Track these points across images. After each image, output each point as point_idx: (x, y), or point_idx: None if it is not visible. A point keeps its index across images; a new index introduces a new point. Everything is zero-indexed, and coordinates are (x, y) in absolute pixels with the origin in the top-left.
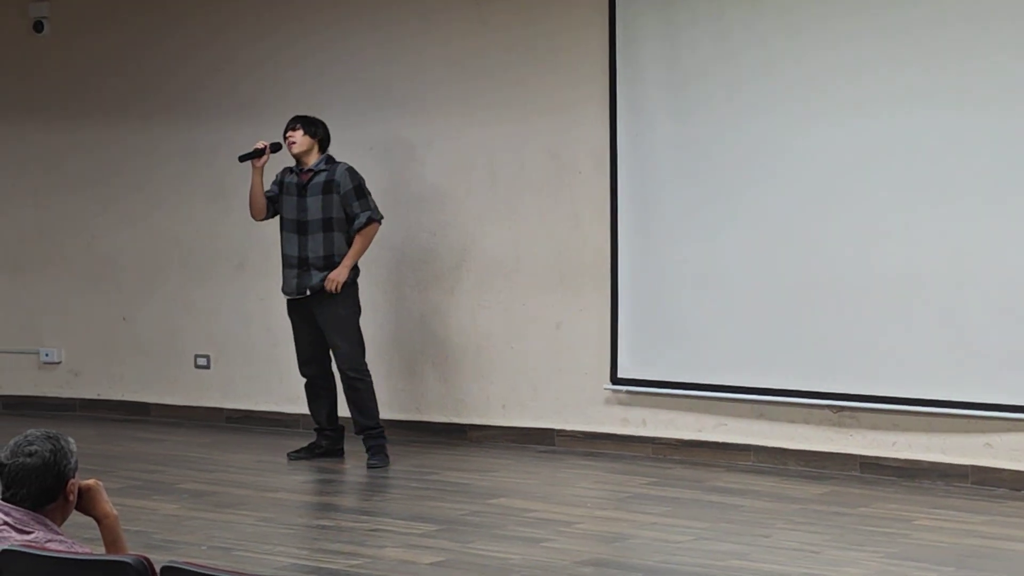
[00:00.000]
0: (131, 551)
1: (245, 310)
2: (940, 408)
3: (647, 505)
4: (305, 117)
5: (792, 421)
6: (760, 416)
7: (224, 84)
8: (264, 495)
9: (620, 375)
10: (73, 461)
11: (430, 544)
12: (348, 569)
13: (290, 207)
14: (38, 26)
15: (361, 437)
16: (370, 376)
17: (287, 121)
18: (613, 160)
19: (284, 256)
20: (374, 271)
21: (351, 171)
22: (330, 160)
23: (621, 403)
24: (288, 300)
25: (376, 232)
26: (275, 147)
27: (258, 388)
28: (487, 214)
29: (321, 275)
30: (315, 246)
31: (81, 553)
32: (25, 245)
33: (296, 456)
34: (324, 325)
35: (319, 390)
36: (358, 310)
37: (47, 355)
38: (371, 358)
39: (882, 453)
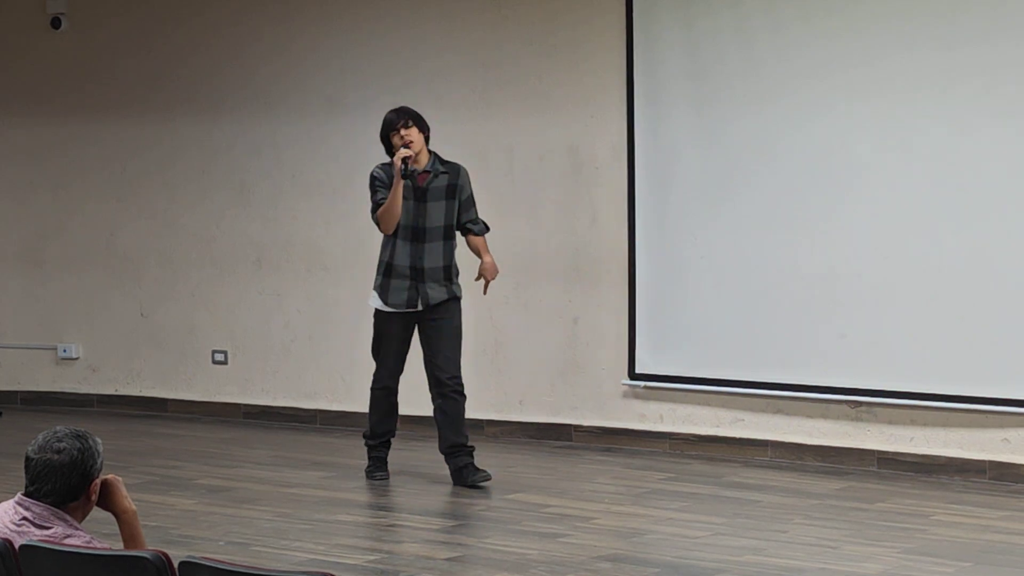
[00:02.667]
0: (149, 546)
1: (263, 306)
2: (957, 403)
3: (664, 500)
4: (411, 110)
5: (809, 416)
6: (777, 411)
7: (241, 76)
8: (281, 491)
9: (638, 370)
10: (99, 462)
11: (447, 539)
12: (366, 564)
13: (405, 212)
14: (55, 22)
15: (448, 456)
16: None
17: (394, 115)
18: (631, 153)
19: (392, 265)
20: None
21: (468, 174)
22: (439, 159)
23: (638, 398)
24: (391, 313)
25: None
26: (405, 162)
27: (275, 384)
28: (505, 208)
29: (440, 287)
30: (433, 256)
31: (100, 548)
32: (43, 240)
33: (382, 476)
34: (435, 334)
35: (393, 402)
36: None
37: (65, 351)
38: None
39: (899, 448)
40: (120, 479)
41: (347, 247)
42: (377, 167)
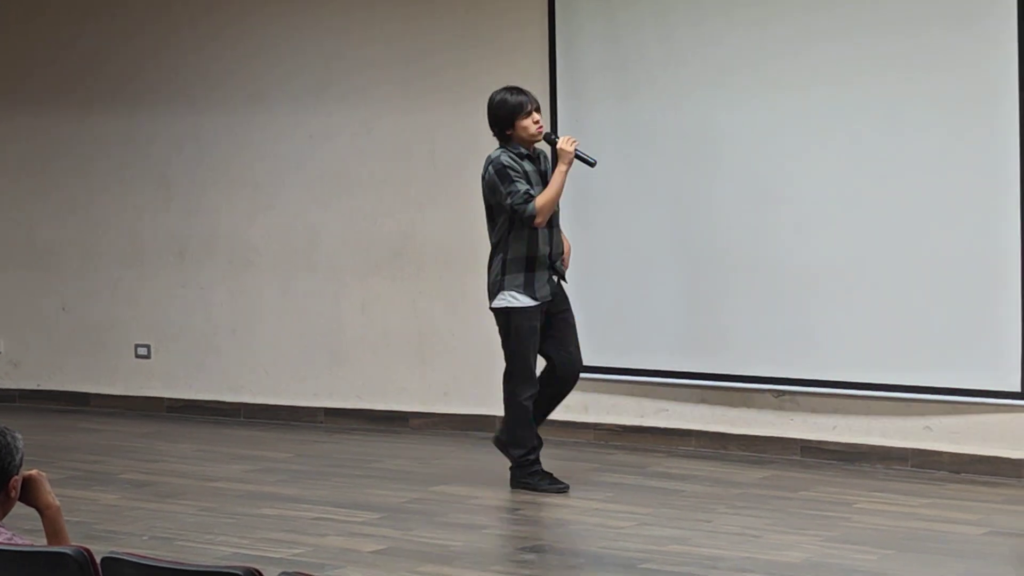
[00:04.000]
0: (72, 542)
1: (186, 300)
2: (880, 392)
3: (589, 491)
4: (529, 93)
5: (733, 406)
6: (701, 401)
7: (163, 70)
8: (205, 485)
9: None
10: (19, 458)
11: (372, 532)
12: (290, 558)
13: None
14: None
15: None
16: None
17: (523, 97)
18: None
19: (534, 258)
20: (314, 258)
21: None
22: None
23: None
24: (529, 308)
25: None
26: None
27: (199, 378)
28: (428, 200)
29: (559, 266)
30: (558, 241)
31: (21, 545)
32: None
33: (564, 487)
34: (562, 325)
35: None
36: None
37: None
38: (311, 347)
39: (822, 437)
40: (44, 475)
41: (270, 241)
42: (505, 155)
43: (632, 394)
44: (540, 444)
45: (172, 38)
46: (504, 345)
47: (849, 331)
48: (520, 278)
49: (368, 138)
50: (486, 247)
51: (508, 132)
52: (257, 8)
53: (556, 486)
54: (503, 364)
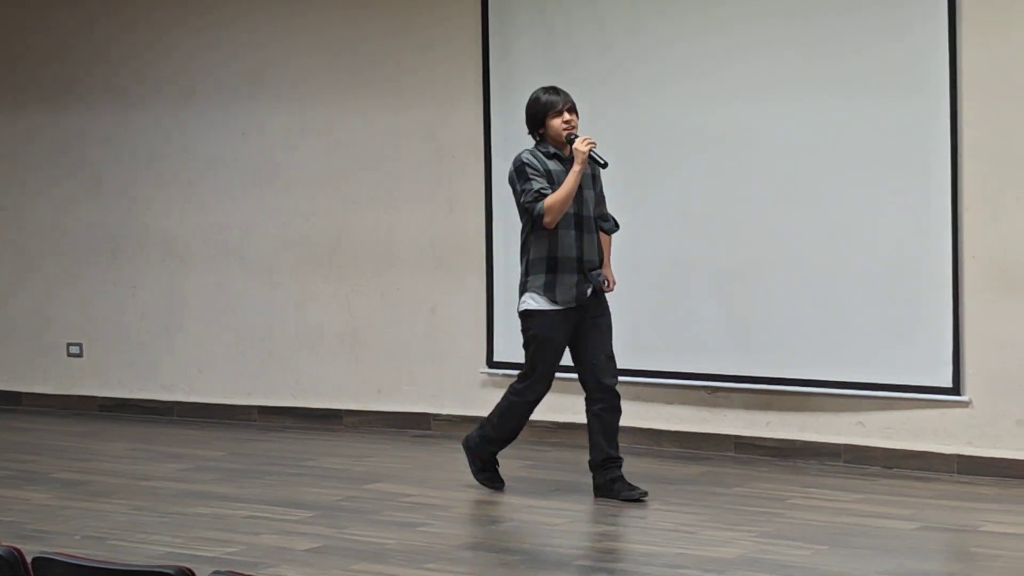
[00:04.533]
0: (3, 542)
1: (118, 297)
2: (813, 388)
3: (524, 488)
4: (566, 92)
5: (667, 402)
6: (635, 397)
7: (97, 70)
8: (138, 484)
9: (496, 358)
10: None
11: (306, 530)
12: (224, 556)
13: (577, 200)
14: None
15: (597, 468)
16: None
17: (555, 96)
18: (487, 143)
19: (558, 259)
20: (247, 256)
21: None
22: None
23: (497, 386)
24: (554, 311)
25: None
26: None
27: (132, 376)
28: (362, 199)
29: (596, 277)
30: (591, 246)
31: None
32: None
33: (498, 485)
34: (597, 333)
35: (532, 412)
36: None
37: None
38: (245, 345)
39: (756, 433)
40: None
41: (203, 237)
42: (527, 152)
43: (567, 391)
44: (509, 441)
45: (102, 32)
46: (524, 347)
47: (783, 328)
48: (541, 279)
49: (302, 135)
50: (421, 243)
51: (541, 131)
52: (192, 12)
53: (493, 483)
54: (437, 361)
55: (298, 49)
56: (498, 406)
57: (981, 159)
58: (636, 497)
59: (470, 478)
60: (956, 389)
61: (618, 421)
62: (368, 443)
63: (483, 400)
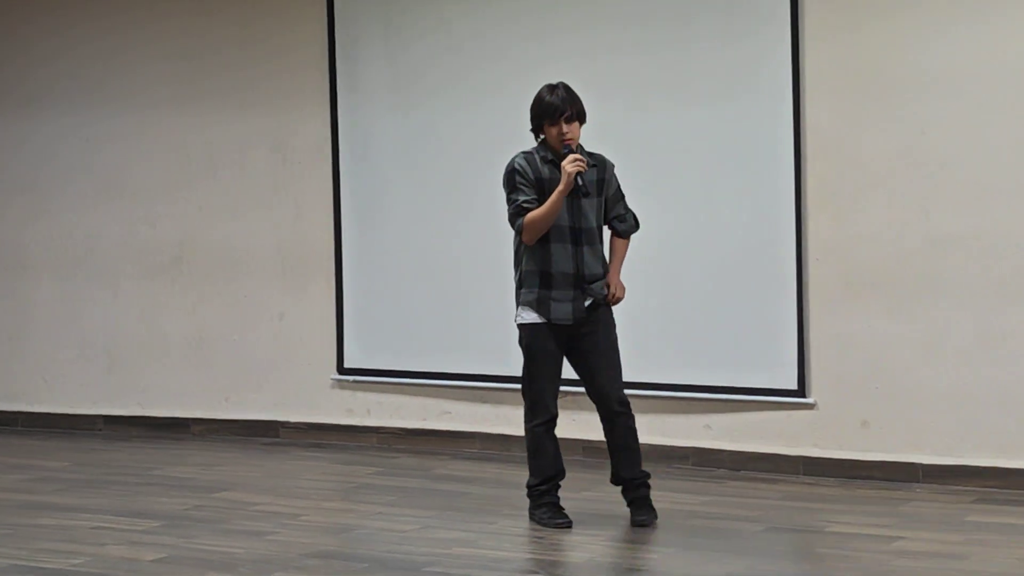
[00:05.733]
0: None
1: None
2: (661, 391)
3: (373, 495)
4: (576, 97)
5: (515, 407)
6: (484, 402)
7: None
8: None
9: (345, 365)
10: None
11: (152, 540)
12: (69, 568)
13: (565, 211)
14: None
15: (621, 489)
16: None
17: (558, 101)
18: (335, 148)
19: (550, 275)
20: (91, 263)
21: (614, 167)
22: (583, 150)
23: (346, 393)
24: (540, 326)
25: None
26: (580, 177)
27: None
28: (208, 206)
29: (598, 289)
30: (593, 260)
31: None
32: None
33: (565, 523)
34: (593, 349)
35: (553, 434)
36: None
37: None
38: (90, 354)
39: (604, 437)
40: None
41: (47, 245)
42: (520, 157)
43: (415, 397)
44: (559, 475)
45: None
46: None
47: (630, 332)
48: (534, 294)
49: (146, 141)
50: (268, 250)
51: (541, 134)
52: (35, 16)
53: (556, 520)
54: (285, 369)
55: (144, 57)
56: (527, 450)
57: (824, 161)
58: (641, 522)
59: (320, 485)
60: (801, 391)
61: (632, 436)
62: (216, 452)
63: (332, 407)
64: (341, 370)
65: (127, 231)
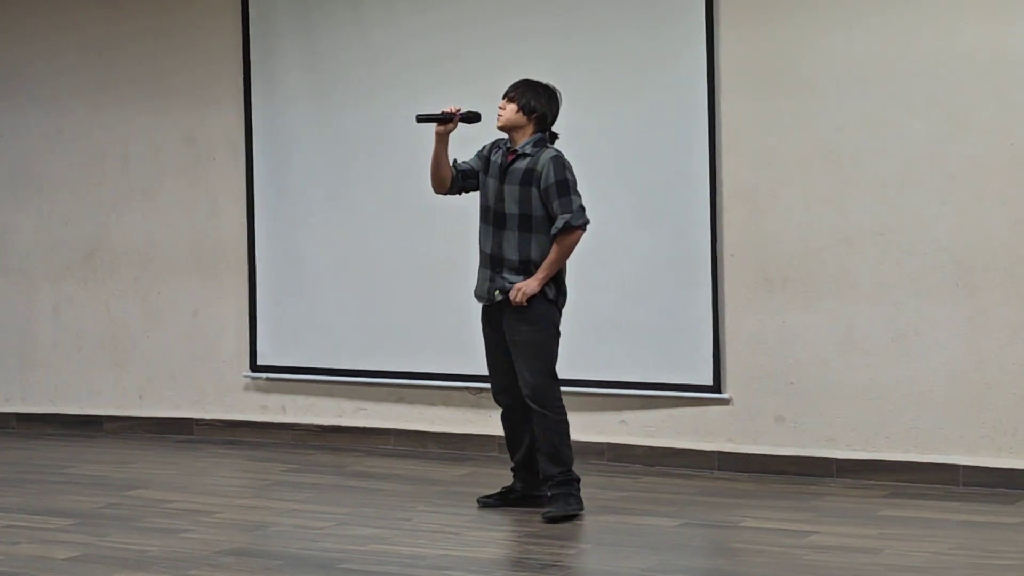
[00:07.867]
0: None
1: None
2: (576, 387)
3: (287, 492)
4: (528, 84)
5: (431, 404)
6: (399, 400)
7: None
8: None
9: (259, 362)
10: None
11: (66, 539)
12: None
13: (489, 192)
14: None
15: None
16: (564, 413)
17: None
18: (248, 143)
19: (480, 251)
20: (4, 261)
21: (557, 161)
22: (540, 143)
23: (260, 390)
24: (482, 307)
25: (578, 240)
26: (470, 117)
27: None
28: (121, 202)
29: (515, 280)
30: (511, 246)
31: None
32: None
33: (486, 502)
34: (511, 344)
35: (516, 423)
36: (555, 333)
37: None
38: (2, 351)
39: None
40: None
41: None
42: (491, 142)
43: (330, 394)
44: (517, 467)
45: None
46: None
47: None
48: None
49: (59, 137)
50: (181, 246)
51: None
52: None
53: (485, 499)
54: (199, 366)
55: (55, 48)
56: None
57: (739, 156)
58: (545, 517)
59: (234, 482)
60: (717, 387)
61: (544, 436)
62: (130, 449)
63: (246, 404)
64: (254, 367)
65: (40, 228)
